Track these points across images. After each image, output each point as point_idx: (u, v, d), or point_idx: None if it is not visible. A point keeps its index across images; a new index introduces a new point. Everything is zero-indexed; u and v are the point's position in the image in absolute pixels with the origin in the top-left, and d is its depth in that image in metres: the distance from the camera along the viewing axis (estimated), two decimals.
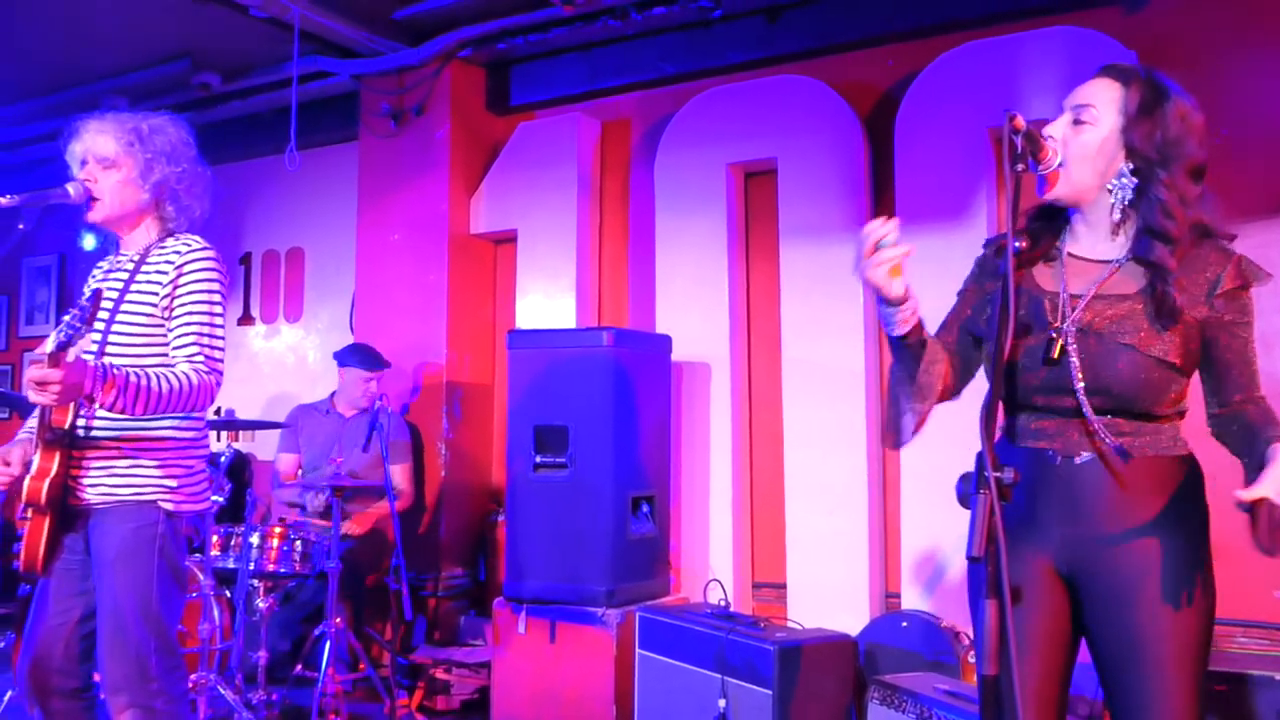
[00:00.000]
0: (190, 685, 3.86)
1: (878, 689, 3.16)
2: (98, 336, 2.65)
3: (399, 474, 4.94)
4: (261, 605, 4.30)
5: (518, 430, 4.29)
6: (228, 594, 4.33)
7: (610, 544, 4.09)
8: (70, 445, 2.59)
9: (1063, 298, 1.97)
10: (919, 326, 1.95)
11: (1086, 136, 1.96)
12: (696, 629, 3.62)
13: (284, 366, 6.34)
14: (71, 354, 2.37)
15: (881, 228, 1.83)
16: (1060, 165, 1.96)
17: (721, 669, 3.47)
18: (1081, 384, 1.91)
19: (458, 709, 4.58)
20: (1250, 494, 1.66)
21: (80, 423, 2.61)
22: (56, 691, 2.61)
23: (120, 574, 2.56)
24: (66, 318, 2.36)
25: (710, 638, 3.54)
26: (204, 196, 2.83)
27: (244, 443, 6.15)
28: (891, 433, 2.06)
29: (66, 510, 2.61)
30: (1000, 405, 1.92)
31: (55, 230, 7.11)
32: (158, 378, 2.49)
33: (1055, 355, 1.92)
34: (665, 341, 4.56)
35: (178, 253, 2.68)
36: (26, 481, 2.55)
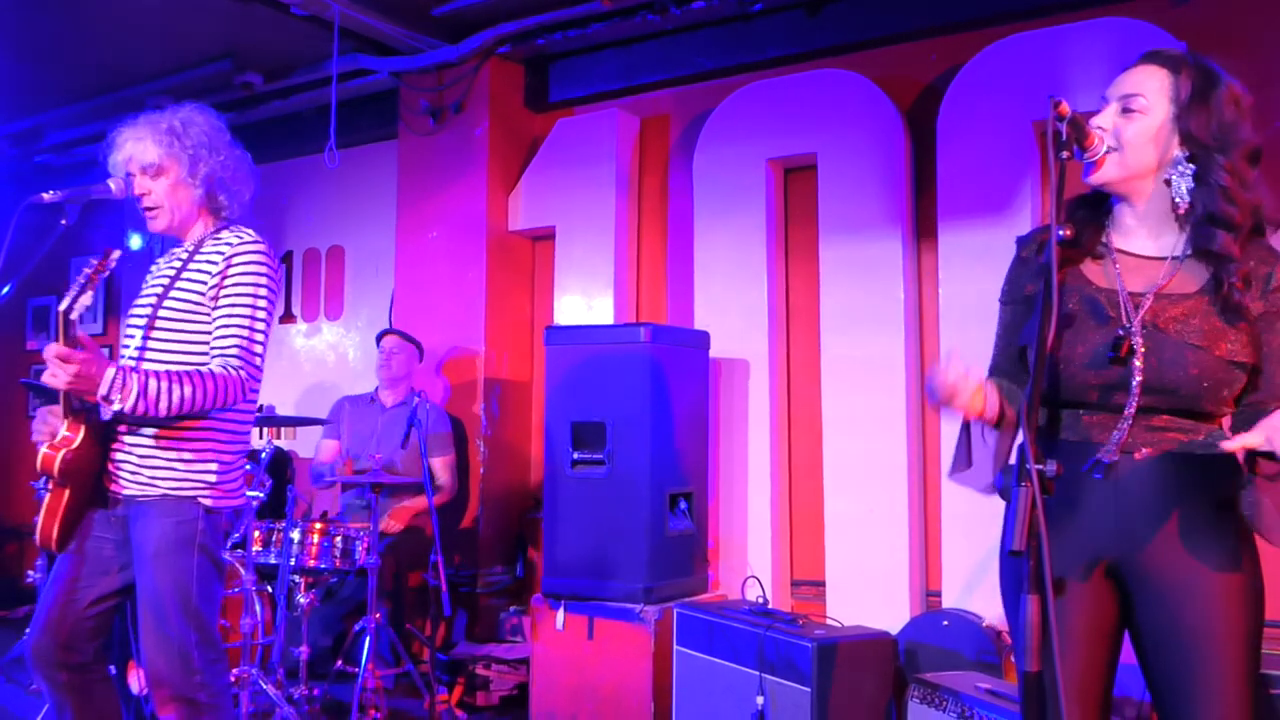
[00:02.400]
0: (232, 680, 3.89)
1: (918, 687, 3.12)
2: (143, 322, 2.68)
3: (440, 466, 4.96)
4: (303, 601, 4.33)
5: (555, 427, 4.29)
6: (269, 589, 4.36)
7: (648, 540, 4.07)
8: (98, 422, 2.60)
9: (1122, 296, 1.94)
10: (996, 410, 2.03)
11: (1139, 125, 1.93)
12: (735, 626, 3.60)
13: (324, 364, 6.39)
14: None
15: (943, 372, 1.91)
16: (1109, 151, 1.92)
17: (760, 666, 3.44)
18: (1140, 383, 1.88)
19: (497, 705, 4.59)
20: (1242, 440, 1.71)
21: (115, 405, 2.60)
22: (62, 665, 2.62)
23: (160, 569, 2.58)
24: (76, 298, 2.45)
25: (749, 634, 3.52)
26: (249, 178, 2.86)
27: (285, 440, 6.20)
28: (962, 466, 2.16)
29: (103, 494, 2.63)
30: (1039, 402, 1.88)
31: (104, 230, 7.22)
32: (181, 380, 2.50)
33: (1123, 354, 1.88)
34: (703, 338, 4.53)
35: (229, 244, 2.69)
36: (43, 449, 2.55)
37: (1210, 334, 1.87)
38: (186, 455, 2.63)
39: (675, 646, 3.84)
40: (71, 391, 2.48)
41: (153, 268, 2.90)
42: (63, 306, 2.42)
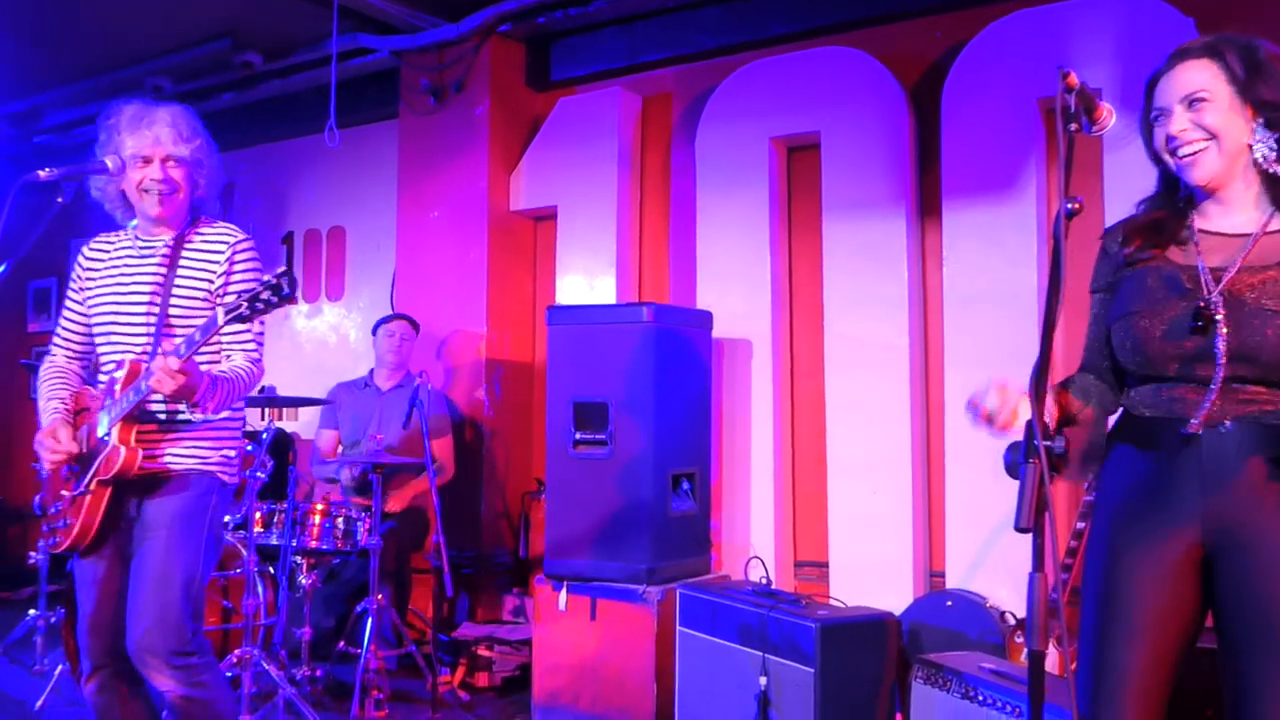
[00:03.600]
0: (235, 660, 3.90)
1: (921, 668, 3.11)
2: (152, 320, 2.72)
3: (439, 449, 4.95)
4: (305, 582, 4.33)
5: (557, 407, 4.27)
6: (271, 570, 4.36)
7: (650, 521, 4.06)
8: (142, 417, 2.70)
9: (1202, 270, 1.97)
10: (1066, 417, 2.03)
11: (1215, 110, 1.96)
12: (738, 606, 3.59)
13: (326, 345, 6.37)
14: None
15: (984, 404, 1.92)
16: (1201, 149, 1.97)
17: (763, 647, 3.43)
18: (1225, 353, 1.90)
19: (499, 685, 4.59)
20: None
21: (158, 402, 2.71)
22: (118, 654, 2.69)
23: (173, 539, 2.66)
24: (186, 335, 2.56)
25: (752, 615, 3.51)
26: (221, 183, 2.95)
27: (286, 421, 6.20)
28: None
29: (123, 481, 2.68)
30: (1048, 377, 1.87)
31: (101, 210, 7.20)
32: (236, 381, 2.68)
33: (1203, 325, 1.90)
34: (706, 317, 4.51)
35: (224, 241, 2.80)
36: (123, 453, 2.61)
37: None
38: (213, 435, 2.78)
39: (678, 627, 3.83)
40: (171, 398, 2.58)
41: (96, 252, 2.90)
42: (179, 351, 2.51)
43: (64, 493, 2.76)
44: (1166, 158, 2.03)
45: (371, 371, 5.20)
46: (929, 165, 4.49)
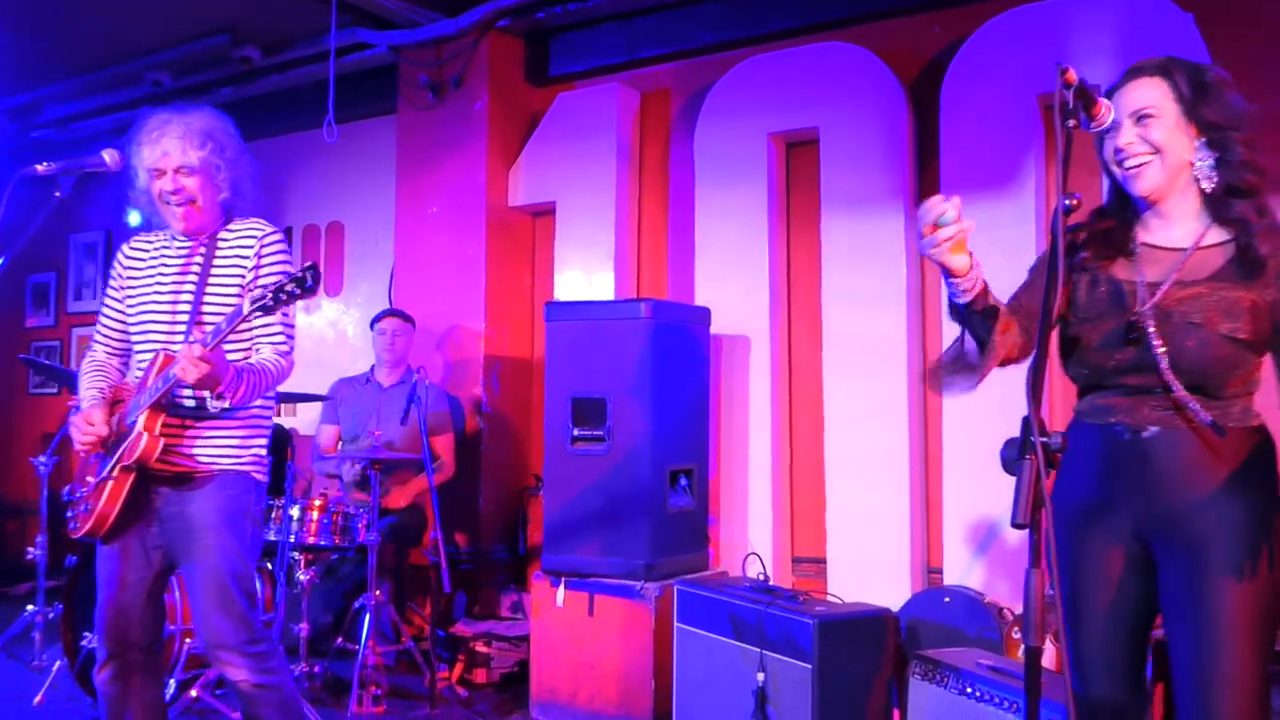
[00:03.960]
0: None
1: (919, 664, 3.11)
2: (186, 314, 2.78)
3: (440, 445, 4.95)
4: (302, 578, 4.33)
5: (555, 403, 4.27)
6: (269, 566, 4.36)
7: (648, 517, 4.06)
8: (170, 409, 2.73)
9: (1140, 284, 2.08)
10: (984, 293, 2.03)
11: (1160, 126, 2.07)
12: (735, 603, 3.59)
13: (324, 341, 6.36)
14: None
15: (939, 206, 1.89)
16: (1146, 161, 2.08)
17: (760, 643, 3.43)
18: (1166, 361, 2.01)
19: (498, 682, 4.59)
20: None
21: (188, 394, 2.75)
22: (136, 645, 2.77)
23: (220, 540, 2.73)
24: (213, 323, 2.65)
25: (749, 611, 3.51)
26: (256, 180, 2.99)
27: (284, 417, 6.19)
28: (937, 378, 2.20)
29: (150, 473, 2.72)
30: (1045, 374, 1.89)
31: (99, 205, 7.19)
32: (263, 373, 2.73)
33: (1135, 337, 2.02)
34: (704, 313, 4.51)
35: (253, 236, 2.85)
36: (145, 440, 2.64)
37: (1211, 313, 2.00)
38: (243, 432, 2.83)
39: (676, 623, 3.83)
40: (196, 386, 2.60)
41: (135, 250, 2.96)
42: (207, 334, 2.60)
43: (89, 478, 2.81)
44: (1114, 168, 2.14)
45: (373, 367, 5.19)
46: (928, 161, 4.49)
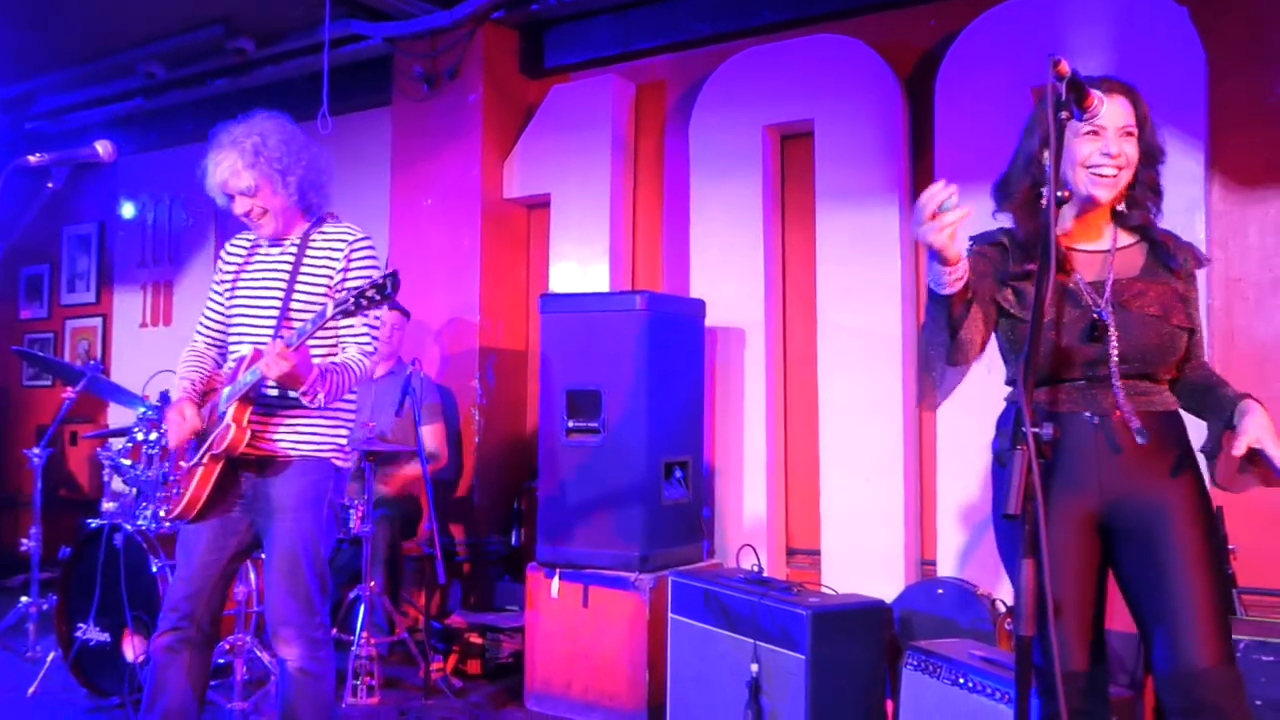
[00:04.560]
0: (227, 647, 3.90)
1: (912, 655, 3.13)
2: (275, 311, 2.89)
3: (431, 436, 4.94)
4: None
5: (550, 395, 4.27)
6: (262, 556, 4.35)
7: (643, 509, 4.07)
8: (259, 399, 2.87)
9: (1082, 284, 2.23)
10: (967, 286, 2.09)
11: (1133, 147, 2.24)
12: (730, 594, 3.59)
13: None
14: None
15: (943, 192, 1.94)
16: (1117, 175, 2.22)
17: (754, 634, 3.44)
18: (1116, 355, 2.17)
19: (492, 673, 4.60)
20: (1244, 441, 2.03)
21: (273, 388, 2.84)
22: (198, 621, 2.89)
23: (297, 522, 2.86)
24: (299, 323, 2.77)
25: (743, 603, 3.52)
26: (330, 171, 3.08)
27: None
28: (932, 393, 2.27)
29: (236, 459, 2.85)
30: (1036, 366, 1.92)
31: (92, 197, 7.17)
32: (346, 371, 2.84)
33: (1098, 333, 2.17)
34: (699, 306, 4.51)
35: (343, 240, 2.98)
36: (233, 430, 2.78)
37: (1165, 306, 2.20)
38: (326, 422, 2.93)
39: (670, 614, 3.84)
40: (279, 382, 2.71)
41: (234, 248, 3.10)
42: (293, 333, 2.74)
43: (181, 463, 2.93)
44: (1076, 168, 2.22)
45: None
46: (923, 154, 4.49)
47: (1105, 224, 2.30)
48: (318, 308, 2.80)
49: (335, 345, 2.94)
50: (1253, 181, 3.88)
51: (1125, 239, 2.29)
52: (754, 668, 3.42)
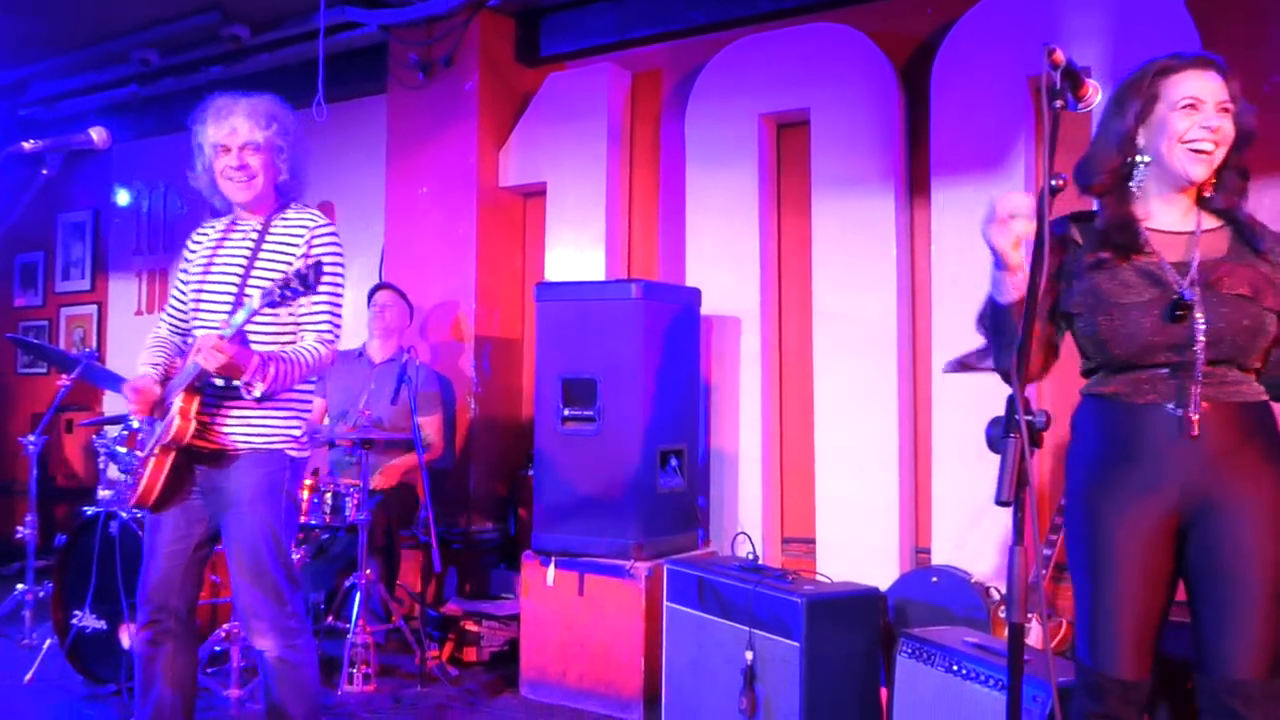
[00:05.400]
0: (223, 635, 3.91)
1: (907, 642, 3.14)
2: (231, 296, 2.86)
3: (428, 425, 4.95)
4: (294, 557, 4.32)
5: (546, 383, 4.28)
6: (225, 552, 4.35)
7: (638, 497, 4.08)
8: (206, 390, 2.84)
9: (1165, 265, 2.13)
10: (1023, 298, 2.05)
11: (1229, 125, 2.15)
12: (725, 582, 3.60)
13: None
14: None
15: (1022, 201, 1.95)
16: (1212, 152, 2.14)
17: (749, 622, 3.45)
18: (1203, 339, 2.07)
19: (487, 661, 4.61)
20: None
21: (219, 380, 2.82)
22: (173, 610, 2.89)
23: (256, 513, 2.84)
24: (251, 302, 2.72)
25: (738, 590, 3.53)
26: (309, 165, 3.07)
27: None
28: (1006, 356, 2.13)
29: (191, 451, 2.84)
30: (1030, 353, 1.90)
31: (85, 184, 7.15)
32: (298, 359, 2.80)
33: (1182, 314, 2.07)
34: (695, 294, 4.51)
35: (304, 226, 2.93)
36: (177, 421, 2.77)
37: (1255, 287, 2.10)
38: (279, 413, 2.90)
39: (665, 602, 3.85)
40: (218, 374, 2.71)
41: (201, 235, 3.08)
42: (237, 320, 2.71)
43: (137, 452, 2.97)
44: (1173, 144, 2.13)
45: (365, 343, 5.18)
46: (918, 143, 4.49)
47: (1190, 206, 2.21)
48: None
49: (294, 333, 2.91)
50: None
51: (1210, 222, 2.20)
52: (749, 655, 3.43)
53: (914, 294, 4.50)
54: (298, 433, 2.96)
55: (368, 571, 4.22)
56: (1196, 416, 2.06)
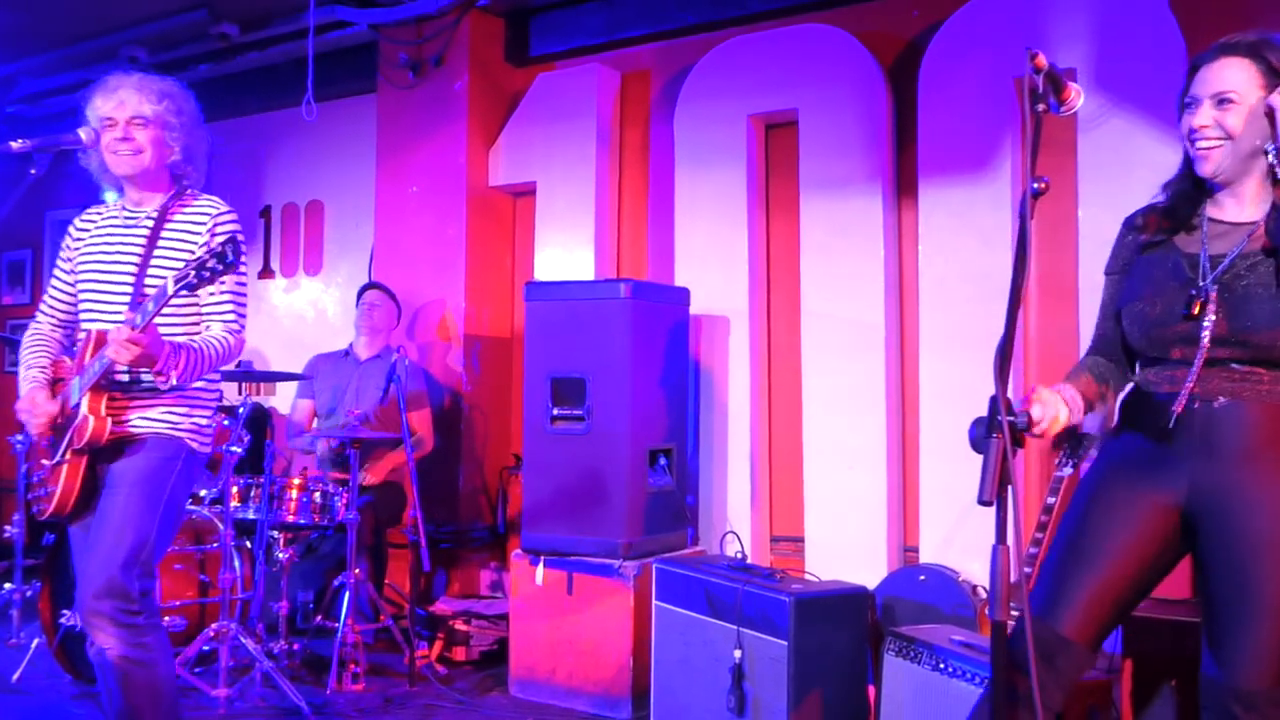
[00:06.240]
0: (212, 634, 3.91)
1: (893, 640, 3.16)
2: (129, 287, 2.76)
3: (417, 421, 4.95)
4: (281, 556, 4.34)
5: (535, 382, 4.28)
6: (248, 544, 4.37)
7: (627, 497, 4.09)
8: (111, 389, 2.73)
9: (1203, 257, 2.12)
10: (1085, 402, 2.13)
11: (1238, 113, 2.09)
12: (713, 581, 3.62)
13: (304, 320, 6.35)
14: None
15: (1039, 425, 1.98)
16: (1218, 145, 2.10)
17: (738, 620, 3.47)
18: (1209, 336, 2.05)
19: (476, 660, 4.62)
20: None
21: (123, 371, 2.72)
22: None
23: (135, 496, 2.68)
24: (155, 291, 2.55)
25: (727, 589, 3.54)
26: (208, 156, 2.96)
27: (264, 396, 6.19)
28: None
29: (98, 449, 2.72)
30: (1011, 354, 1.92)
31: (74, 180, 7.12)
32: (207, 349, 2.71)
33: (1195, 311, 2.06)
34: (684, 294, 4.53)
35: (206, 213, 2.82)
36: (92, 422, 2.65)
37: (1278, 283, 2.03)
38: (181, 403, 2.80)
39: (654, 601, 3.86)
40: (131, 366, 2.60)
41: (87, 222, 2.95)
42: (150, 309, 2.56)
43: (44, 461, 2.80)
44: (1187, 145, 2.15)
45: (352, 342, 5.18)
46: (906, 144, 4.50)
47: (1265, 198, 2.14)
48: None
49: (198, 323, 2.81)
50: None
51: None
52: (737, 654, 3.45)
53: (901, 294, 4.52)
54: (204, 423, 2.85)
55: (356, 570, 4.22)
56: (1188, 410, 2.06)
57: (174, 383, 2.65)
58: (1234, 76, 2.09)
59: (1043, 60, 1.78)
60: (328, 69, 5.51)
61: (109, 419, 2.68)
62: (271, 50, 5.96)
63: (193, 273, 2.49)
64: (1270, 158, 2.09)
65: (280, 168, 6.48)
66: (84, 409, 2.67)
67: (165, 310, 2.63)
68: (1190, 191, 2.21)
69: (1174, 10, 3.85)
